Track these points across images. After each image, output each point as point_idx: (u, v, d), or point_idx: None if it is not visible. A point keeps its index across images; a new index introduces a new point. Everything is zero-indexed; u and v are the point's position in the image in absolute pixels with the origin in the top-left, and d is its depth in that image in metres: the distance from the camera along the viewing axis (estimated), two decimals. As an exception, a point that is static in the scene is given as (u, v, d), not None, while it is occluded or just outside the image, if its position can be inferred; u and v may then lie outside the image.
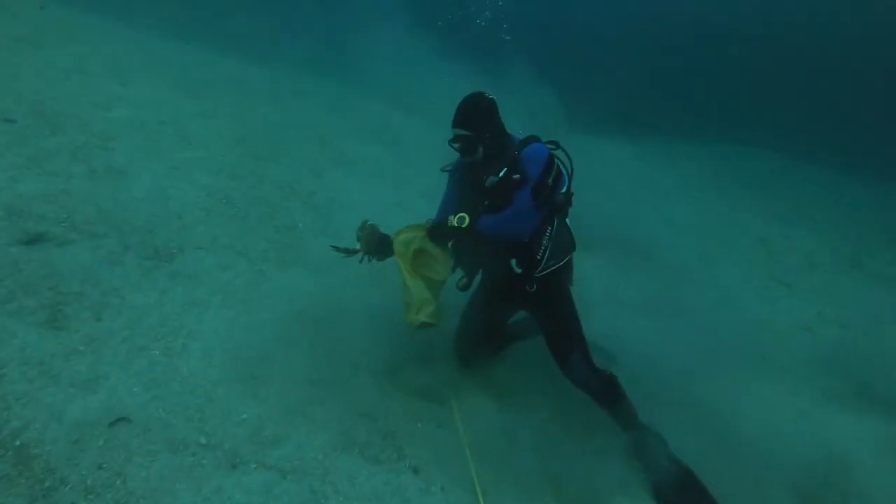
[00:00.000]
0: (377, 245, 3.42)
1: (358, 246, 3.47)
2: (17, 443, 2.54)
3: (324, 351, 3.58)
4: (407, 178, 6.34)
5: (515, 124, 3.61)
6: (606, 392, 3.37)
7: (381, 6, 11.13)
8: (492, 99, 3.38)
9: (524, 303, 3.55)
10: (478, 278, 3.66)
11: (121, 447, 2.67)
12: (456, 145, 3.35)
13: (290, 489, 2.73)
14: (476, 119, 3.30)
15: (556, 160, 3.28)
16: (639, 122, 10.98)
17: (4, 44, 5.97)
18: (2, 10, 6.92)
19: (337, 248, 3.49)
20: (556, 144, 3.38)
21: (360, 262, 3.53)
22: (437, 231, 3.35)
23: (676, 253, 6.21)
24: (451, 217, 3.25)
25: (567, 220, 3.49)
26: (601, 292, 5.03)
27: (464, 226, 3.19)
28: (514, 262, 3.30)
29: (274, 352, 3.47)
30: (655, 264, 5.87)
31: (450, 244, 3.49)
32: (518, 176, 3.18)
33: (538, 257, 3.28)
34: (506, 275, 3.35)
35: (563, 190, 3.32)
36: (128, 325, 3.30)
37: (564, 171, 3.33)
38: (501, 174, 3.24)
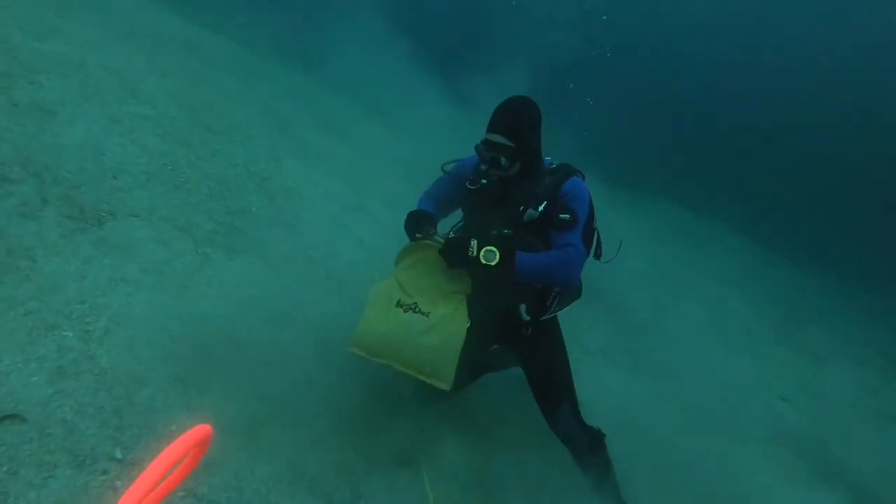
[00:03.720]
0: None
1: None
2: None
3: (274, 360, 3.03)
4: (368, 181, 5.85)
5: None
6: (592, 449, 3.03)
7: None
8: (539, 108, 2.87)
9: (513, 344, 3.12)
10: None
11: (5, 455, 2.04)
12: (487, 154, 2.78)
13: (224, 530, 2.17)
14: (521, 129, 2.76)
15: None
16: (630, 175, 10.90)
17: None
18: None
19: None
20: (583, 176, 3.00)
21: None
22: (454, 255, 2.66)
23: (635, 303, 6.07)
24: (472, 243, 2.60)
25: None
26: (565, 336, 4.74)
27: (493, 263, 2.55)
28: (523, 306, 2.88)
29: (215, 352, 2.89)
30: (616, 313, 5.69)
31: None
32: (568, 216, 2.69)
33: (547, 304, 2.92)
34: (506, 317, 2.93)
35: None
36: (36, 295, 2.64)
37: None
38: (541, 208, 2.75)
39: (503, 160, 2.77)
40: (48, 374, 2.37)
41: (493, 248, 2.56)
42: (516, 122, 2.76)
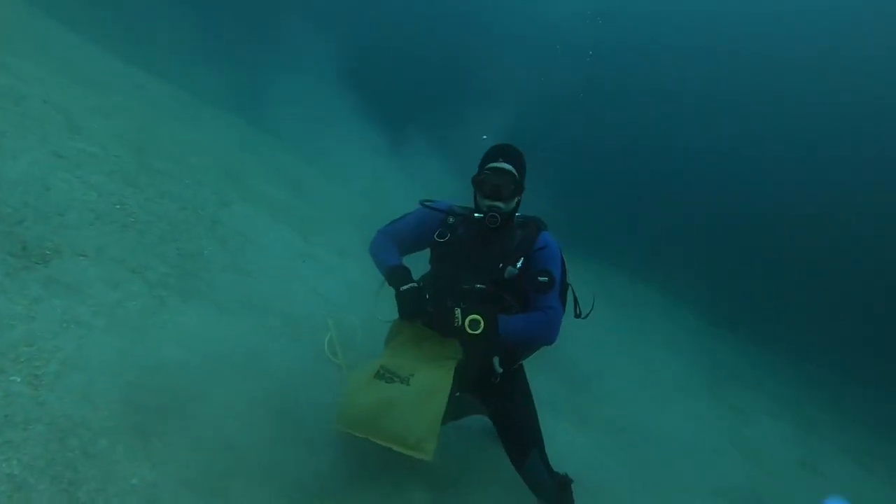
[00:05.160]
0: None
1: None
2: None
3: (237, 410, 2.87)
4: (316, 230, 5.77)
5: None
6: (560, 496, 3.01)
7: (308, 55, 10.74)
8: None
9: (482, 392, 3.10)
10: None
11: (-52, 512, 1.81)
12: (493, 180, 2.78)
13: None
14: (523, 163, 2.85)
15: None
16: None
17: None
18: None
19: None
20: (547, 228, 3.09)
21: None
22: (438, 325, 2.68)
23: (578, 360, 6.19)
24: (456, 312, 2.61)
25: None
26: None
27: (477, 332, 2.57)
28: (496, 360, 2.90)
29: (176, 400, 2.70)
30: (560, 368, 5.77)
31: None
32: (546, 279, 2.73)
33: (517, 354, 2.96)
34: (479, 367, 2.93)
35: None
36: (-21, 336, 2.41)
37: None
38: (520, 265, 2.79)
39: (508, 191, 2.79)
40: (-6, 423, 2.14)
41: (478, 318, 2.57)
42: (518, 156, 2.87)
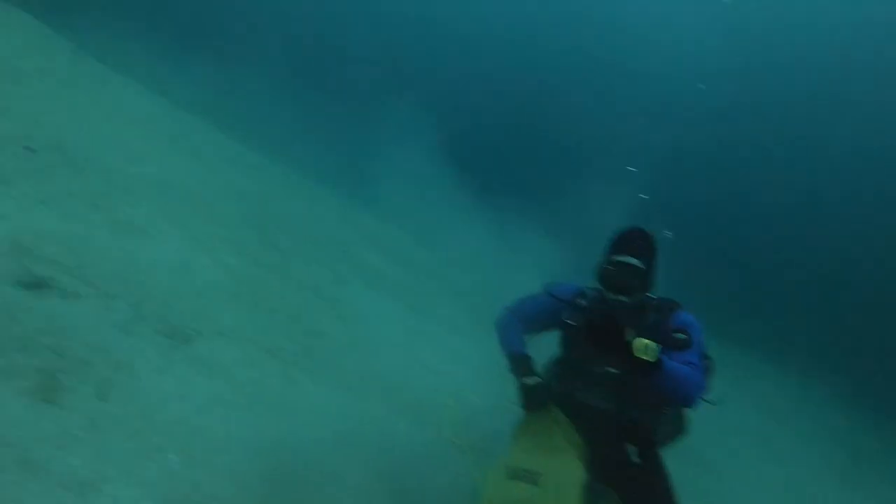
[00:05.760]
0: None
1: None
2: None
3: (370, 491, 2.84)
4: (427, 306, 5.85)
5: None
6: None
7: (412, 130, 11.13)
8: None
9: (617, 483, 2.86)
10: None
11: None
12: (617, 277, 2.61)
13: None
14: (651, 252, 2.69)
15: None
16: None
17: (38, 77, 5.46)
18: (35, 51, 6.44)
19: None
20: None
21: None
22: (603, 338, 2.33)
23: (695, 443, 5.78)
24: (628, 331, 2.31)
25: None
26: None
27: (649, 358, 2.26)
28: (632, 448, 2.73)
29: (312, 482, 2.72)
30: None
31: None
32: (684, 336, 2.56)
33: (654, 441, 2.79)
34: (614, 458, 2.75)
35: None
36: (141, 415, 2.53)
37: None
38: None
39: (633, 284, 2.63)
40: (156, 503, 2.21)
41: (654, 345, 2.29)
42: (646, 244, 2.71)
